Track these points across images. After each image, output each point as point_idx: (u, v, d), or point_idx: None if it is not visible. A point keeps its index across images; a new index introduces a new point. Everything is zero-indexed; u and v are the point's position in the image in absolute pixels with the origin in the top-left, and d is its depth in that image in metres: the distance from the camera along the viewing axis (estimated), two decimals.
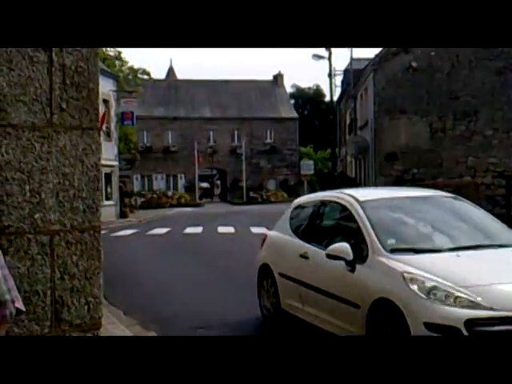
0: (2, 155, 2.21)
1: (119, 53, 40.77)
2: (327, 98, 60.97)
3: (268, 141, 58.41)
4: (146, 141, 55.15)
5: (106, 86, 30.72)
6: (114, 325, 7.78)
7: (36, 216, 2.29)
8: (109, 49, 36.46)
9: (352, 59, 34.85)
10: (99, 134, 2.55)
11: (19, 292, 2.26)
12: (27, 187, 2.27)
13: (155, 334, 7.55)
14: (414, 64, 22.59)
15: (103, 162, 2.64)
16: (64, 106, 2.39)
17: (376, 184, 23.08)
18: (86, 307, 2.41)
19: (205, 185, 66.40)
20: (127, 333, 7.47)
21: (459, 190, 21.22)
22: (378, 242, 6.06)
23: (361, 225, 6.38)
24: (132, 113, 34.41)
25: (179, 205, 49.45)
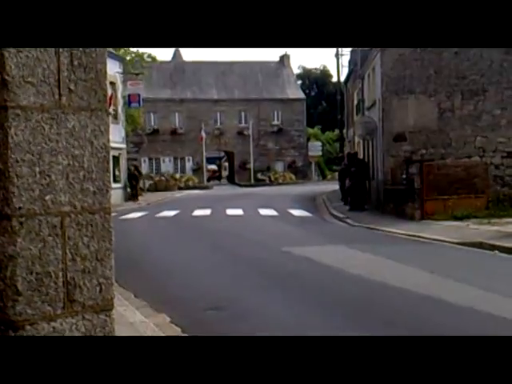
0: (12, 137, 2.20)
1: None
2: (334, 79, 60.78)
3: (275, 122, 58.24)
4: (153, 123, 55.09)
5: (112, 69, 30.69)
6: (125, 307, 7.84)
7: (46, 197, 2.29)
8: None
9: None
10: (108, 116, 2.53)
11: (31, 274, 2.27)
12: (37, 169, 2.26)
13: (166, 317, 7.61)
14: None
15: (111, 144, 2.63)
16: (72, 87, 2.38)
17: (384, 165, 23.00)
18: (98, 288, 2.41)
19: (212, 167, 66.43)
20: (137, 314, 7.53)
21: (468, 171, 21.17)
22: None
23: None
24: (139, 95, 34.38)
25: (187, 187, 49.56)
